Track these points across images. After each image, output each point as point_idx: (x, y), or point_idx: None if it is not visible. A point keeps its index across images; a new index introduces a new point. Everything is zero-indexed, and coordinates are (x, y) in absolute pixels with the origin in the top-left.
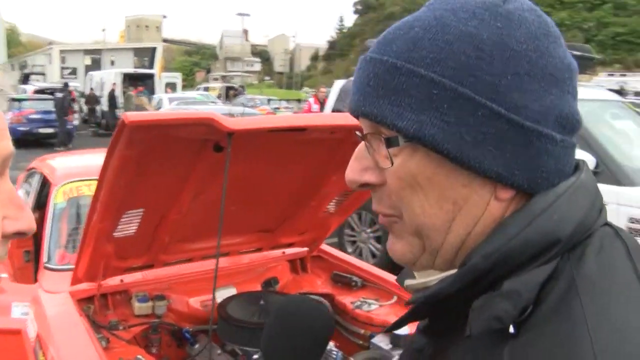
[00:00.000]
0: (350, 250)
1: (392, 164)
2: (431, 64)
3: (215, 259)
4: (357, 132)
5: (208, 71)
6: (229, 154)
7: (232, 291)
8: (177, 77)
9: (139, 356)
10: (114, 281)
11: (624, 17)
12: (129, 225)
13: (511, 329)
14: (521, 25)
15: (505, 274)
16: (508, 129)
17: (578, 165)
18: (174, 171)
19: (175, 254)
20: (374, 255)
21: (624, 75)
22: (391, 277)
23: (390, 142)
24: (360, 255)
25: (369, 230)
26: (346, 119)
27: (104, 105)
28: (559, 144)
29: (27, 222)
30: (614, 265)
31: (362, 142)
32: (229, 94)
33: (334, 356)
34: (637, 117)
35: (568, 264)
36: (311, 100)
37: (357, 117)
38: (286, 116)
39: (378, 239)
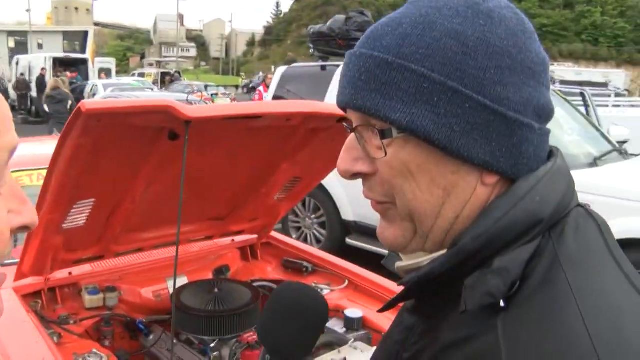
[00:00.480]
0: (294, 236)
1: (386, 154)
2: (421, 59)
3: (165, 248)
4: (345, 124)
5: (142, 56)
6: (187, 141)
7: (184, 280)
8: (111, 63)
9: (94, 350)
10: (62, 274)
11: (549, 10)
12: (79, 216)
13: (502, 303)
14: (501, 22)
15: (493, 253)
16: (493, 119)
17: (552, 152)
18: (128, 160)
19: (126, 244)
20: (318, 241)
21: (552, 64)
22: (341, 262)
23: (384, 134)
24: (305, 241)
25: (313, 216)
26: (302, 106)
27: (33, 91)
28: (537, 132)
29: (31, 215)
30: (589, 241)
31: (352, 134)
32: (165, 80)
33: None
34: (565, 104)
35: (550, 242)
36: (261, 88)
37: (345, 109)
38: (243, 104)
39: (322, 225)
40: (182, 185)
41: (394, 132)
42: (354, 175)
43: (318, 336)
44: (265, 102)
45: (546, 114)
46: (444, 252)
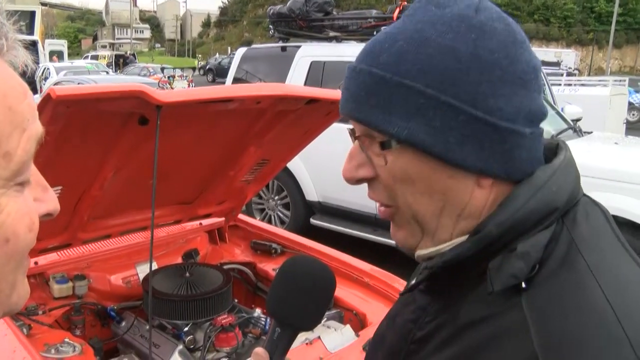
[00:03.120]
0: (258, 218)
1: (386, 162)
2: (416, 76)
3: (133, 234)
4: (349, 129)
5: (95, 38)
6: (158, 127)
7: (153, 265)
8: (63, 45)
9: (67, 339)
10: None
11: None
12: None
13: (523, 285)
14: (493, 35)
15: (513, 238)
16: (486, 129)
17: (559, 145)
18: (96, 146)
19: (94, 231)
20: (282, 222)
21: None
22: (309, 242)
23: (384, 145)
24: (269, 223)
25: (276, 197)
26: (272, 89)
27: None
28: (528, 137)
29: (54, 202)
30: (599, 227)
31: (355, 142)
32: (120, 62)
33: (263, 322)
34: None
35: (564, 228)
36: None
37: (348, 118)
38: (213, 87)
39: (286, 206)
40: (154, 169)
41: (393, 144)
42: (358, 181)
43: (328, 306)
44: (235, 86)
45: (538, 117)
46: (464, 238)
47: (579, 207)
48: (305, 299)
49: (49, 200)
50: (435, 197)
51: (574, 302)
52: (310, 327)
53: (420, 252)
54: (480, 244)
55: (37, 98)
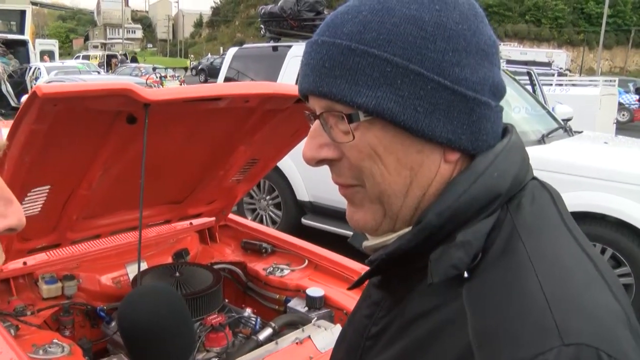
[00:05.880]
0: (250, 218)
1: (354, 137)
2: (382, 45)
3: (123, 234)
4: (307, 112)
5: (86, 38)
6: (147, 125)
7: (143, 265)
8: (54, 45)
9: (55, 340)
10: (15, 264)
11: None
12: (33, 203)
13: (465, 274)
14: (455, 7)
15: (456, 227)
16: (454, 98)
17: (507, 129)
18: (84, 145)
19: (83, 231)
20: (274, 222)
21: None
22: (300, 242)
23: (351, 118)
24: (260, 223)
25: (268, 197)
26: (260, 87)
27: None
28: (493, 109)
29: (17, 216)
30: (544, 211)
31: (316, 121)
32: (111, 62)
33: (253, 322)
34: (514, 83)
35: (508, 214)
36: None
37: (307, 97)
38: (202, 85)
39: (277, 206)
40: (142, 168)
41: (360, 116)
42: (320, 162)
43: (187, 324)
44: (224, 84)
45: (500, 92)
46: (409, 229)
47: (526, 191)
48: (159, 344)
49: (11, 214)
50: (403, 173)
51: (508, 290)
52: (189, 353)
53: (367, 244)
54: (421, 235)
55: None
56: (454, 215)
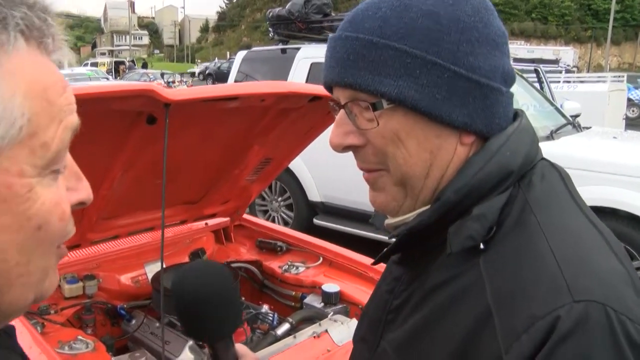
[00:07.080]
0: (262, 219)
1: (378, 124)
2: (402, 38)
3: (141, 234)
4: (331, 102)
5: (94, 46)
6: (167, 125)
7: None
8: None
9: (79, 337)
10: None
11: None
12: None
13: (481, 246)
14: (467, 1)
15: (472, 203)
16: (469, 85)
17: (517, 113)
18: (105, 146)
19: (102, 231)
20: (286, 223)
21: None
22: (314, 240)
23: (375, 106)
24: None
25: (279, 198)
26: (276, 86)
27: None
28: (505, 95)
29: (86, 191)
30: (553, 187)
31: (341, 110)
32: (119, 69)
33: (271, 317)
34: (522, 81)
35: (520, 190)
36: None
37: (331, 88)
38: (219, 86)
39: (289, 207)
40: (164, 169)
41: (383, 104)
42: (346, 148)
43: (236, 297)
44: (241, 84)
45: (510, 79)
46: (428, 207)
47: (536, 170)
48: (211, 310)
49: (82, 189)
50: (424, 156)
51: (522, 256)
52: (233, 328)
53: (389, 221)
54: (441, 210)
55: None
56: (471, 192)
